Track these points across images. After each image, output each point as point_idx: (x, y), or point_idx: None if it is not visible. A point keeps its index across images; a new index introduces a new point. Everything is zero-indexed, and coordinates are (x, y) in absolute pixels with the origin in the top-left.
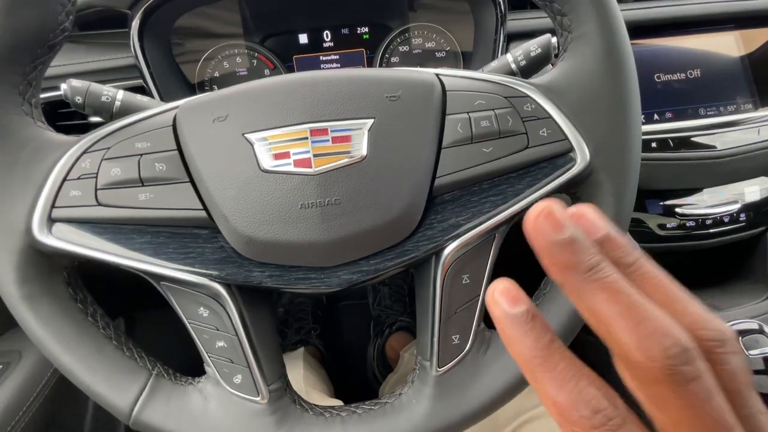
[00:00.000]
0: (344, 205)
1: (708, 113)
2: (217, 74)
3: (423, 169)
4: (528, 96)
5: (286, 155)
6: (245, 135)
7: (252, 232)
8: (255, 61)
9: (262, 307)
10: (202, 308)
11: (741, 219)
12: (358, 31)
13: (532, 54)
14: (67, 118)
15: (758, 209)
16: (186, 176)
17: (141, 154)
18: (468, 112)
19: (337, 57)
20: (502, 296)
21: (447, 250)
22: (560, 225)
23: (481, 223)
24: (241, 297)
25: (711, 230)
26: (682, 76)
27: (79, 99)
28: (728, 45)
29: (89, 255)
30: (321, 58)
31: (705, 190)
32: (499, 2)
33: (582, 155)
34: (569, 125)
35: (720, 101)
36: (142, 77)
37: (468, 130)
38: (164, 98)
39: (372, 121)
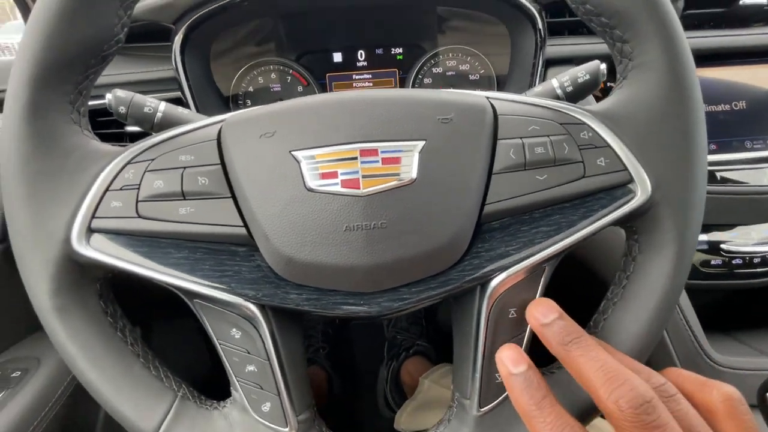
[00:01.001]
0: (390, 229)
1: (755, 146)
2: (251, 89)
3: (472, 195)
4: (584, 123)
5: (333, 175)
6: (292, 152)
7: (293, 252)
8: (289, 77)
9: (294, 331)
10: (234, 329)
11: None
12: (392, 52)
13: (580, 80)
14: (105, 126)
15: None
16: (228, 191)
17: (184, 167)
18: (521, 138)
19: (370, 76)
20: (508, 359)
21: (494, 282)
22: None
23: (531, 255)
24: (275, 320)
25: (758, 269)
26: (727, 107)
27: (122, 109)
28: None
29: (125, 268)
30: (354, 76)
31: (752, 227)
32: (539, 27)
33: (643, 187)
34: (629, 155)
35: (767, 134)
36: (181, 90)
37: (521, 156)
38: (200, 111)
39: (423, 143)
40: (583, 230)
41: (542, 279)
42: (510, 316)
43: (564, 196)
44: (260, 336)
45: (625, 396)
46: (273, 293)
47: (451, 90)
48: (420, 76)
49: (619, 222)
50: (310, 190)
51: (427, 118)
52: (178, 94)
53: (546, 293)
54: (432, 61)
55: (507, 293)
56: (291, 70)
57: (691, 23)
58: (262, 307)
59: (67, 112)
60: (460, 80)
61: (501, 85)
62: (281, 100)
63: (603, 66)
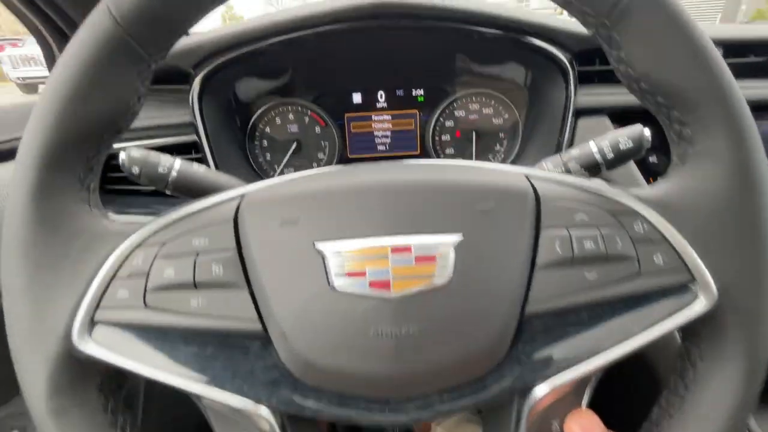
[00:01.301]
0: (422, 336)
1: None
2: (268, 129)
3: (513, 294)
4: (639, 214)
5: (361, 273)
6: (316, 244)
7: (313, 356)
8: (307, 118)
9: None
10: None
11: None
12: (413, 93)
13: (622, 147)
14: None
15: None
16: (243, 281)
17: (197, 253)
18: (568, 227)
19: (390, 117)
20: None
21: (536, 392)
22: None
23: (578, 365)
24: (290, 426)
25: None
26: None
27: (135, 169)
28: None
29: (128, 368)
30: (373, 117)
31: None
32: (570, 77)
33: (706, 290)
34: (690, 252)
35: None
36: (197, 135)
37: (568, 250)
38: (216, 154)
39: (460, 237)
40: (638, 338)
41: (587, 389)
42: (553, 429)
43: (616, 297)
44: None
45: None
46: (289, 399)
47: (486, 165)
48: (441, 119)
49: (681, 329)
50: (335, 289)
51: (465, 208)
52: (194, 137)
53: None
54: (454, 105)
55: (550, 405)
56: (309, 111)
57: None
58: (276, 414)
59: (75, 191)
60: (483, 125)
61: (527, 130)
62: (299, 141)
63: (647, 132)
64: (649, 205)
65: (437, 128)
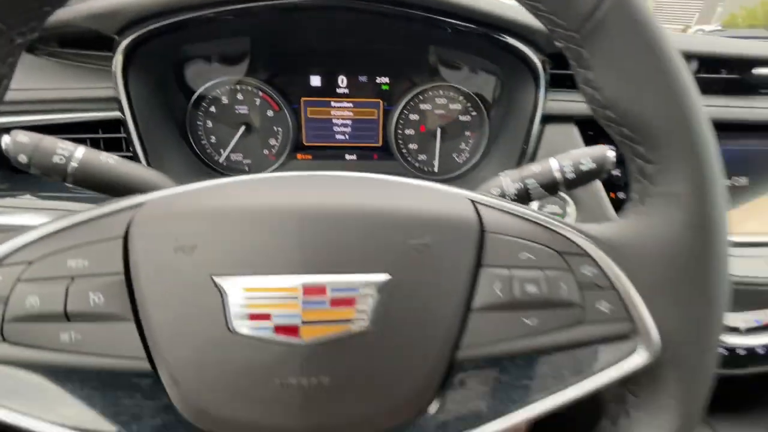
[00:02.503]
0: (335, 387)
1: (749, 227)
2: (213, 109)
3: (443, 339)
4: (588, 255)
5: (266, 317)
6: (215, 278)
7: (208, 405)
8: (258, 99)
9: None
10: None
11: None
12: (377, 81)
13: (583, 168)
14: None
15: None
16: (129, 312)
17: (72, 278)
18: (510, 268)
19: (351, 105)
20: None
21: None
22: None
23: (507, 414)
24: None
25: (743, 360)
26: (727, 183)
27: (23, 158)
28: None
29: None
30: (332, 104)
31: (738, 315)
32: (541, 81)
33: (648, 344)
34: (638, 303)
35: (764, 215)
36: (121, 111)
37: (509, 294)
38: (144, 134)
39: (386, 278)
40: (574, 389)
41: None
42: None
43: (555, 345)
44: None
45: None
46: None
47: (427, 185)
48: (406, 112)
49: (619, 381)
50: (235, 332)
51: (397, 245)
52: (119, 114)
53: None
54: (421, 97)
55: None
56: (261, 92)
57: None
58: None
59: None
60: (449, 120)
61: (493, 129)
62: (248, 124)
63: (611, 154)
64: (600, 246)
65: (401, 121)
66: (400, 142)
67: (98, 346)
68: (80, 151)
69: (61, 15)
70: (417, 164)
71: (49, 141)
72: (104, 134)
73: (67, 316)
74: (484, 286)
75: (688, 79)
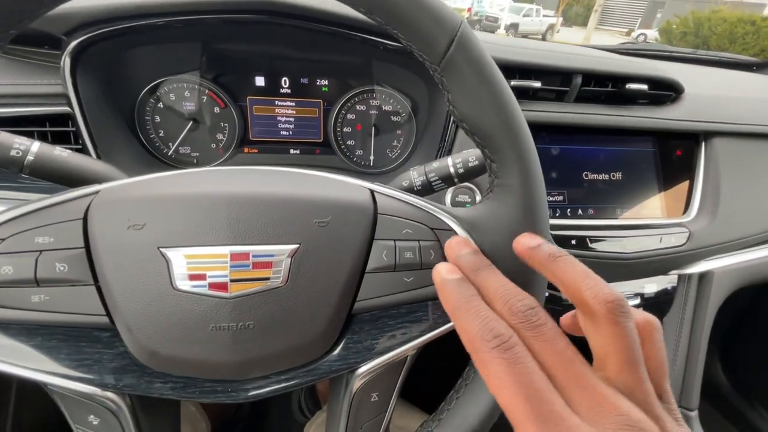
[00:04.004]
0: (257, 329)
1: (623, 214)
2: (161, 105)
3: (344, 293)
4: (452, 230)
5: (202, 277)
6: (161, 249)
7: (156, 347)
8: (205, 97)
9: (163, 418)
10: (92, 416)
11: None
12: (318, 83)
13: (470, 165)
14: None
15: (654, 302)
16: (91, 278)
17: (40, 251)
18: (395, 240)
19: (294, 104)
20: (443, 268)
21: (360, 370)
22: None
23: (394, 347)
24: (141, 408)
25: None
26: (606, 177)
27: None
28: (648, 156)
29: None
30: (276, 102)
31: (611, 284)
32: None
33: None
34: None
35: (634, 205)
36: (70, 106)
37: (392, 259)
38: (93, 128)
39: (297, 246)
40: (443, 327)
41: (404, 367)
42: (372, 399)
43: (428, 296)
44: (121, 426)
45: (479, 332)
46: (136, 383)
47: (338, 179)
48: (344, 112)
49: None
50: (177, 289)
51: (304, 222)
52: (68, 108)
53: (408, 375)
54: (357, 98)
55: (371, 380)
56: (207, 90)
57: (586, 97)
58: (123, 396)
59: None
60: (383, 119)
61: (419, 132)
62: (195, 120)
63: None
64: (461, 224)
65: (339, 119)
66: (339, 138)
67: (64, 305)
68: (36, 145)
69: None
70: (355, 159)
71: (5, 136)
72: (52, 128)
73: (37, 282)
74: (375, 253)
75: (513, 102)
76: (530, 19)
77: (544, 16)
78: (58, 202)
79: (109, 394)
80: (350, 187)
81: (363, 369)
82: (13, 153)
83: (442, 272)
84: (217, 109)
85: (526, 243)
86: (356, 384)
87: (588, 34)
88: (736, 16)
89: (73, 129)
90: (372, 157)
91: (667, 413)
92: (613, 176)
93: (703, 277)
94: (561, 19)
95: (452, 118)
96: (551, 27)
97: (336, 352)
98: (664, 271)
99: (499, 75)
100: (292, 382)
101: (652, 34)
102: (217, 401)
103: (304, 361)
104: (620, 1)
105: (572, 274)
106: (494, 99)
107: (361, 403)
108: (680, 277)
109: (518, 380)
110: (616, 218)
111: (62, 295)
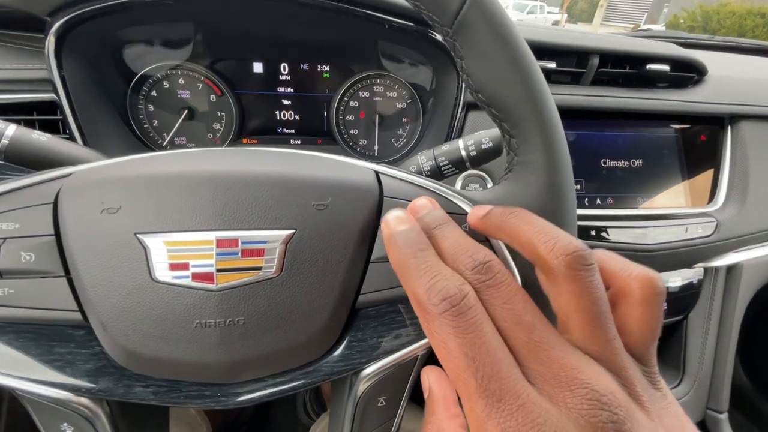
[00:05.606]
0: (248, 326)
1: (644, 203)
2: (154, 93)
3: (345, 286)
4: (466, 213)
5: (184, 266)
6: (138, 236)
7: (135, 346)
8: (200, 84)
9: (147, 428)
10: (65, 424)
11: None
12: (319, 69)
13: (484, 146)
14: None
15: (679, 297)
16: (61, 269)
17: (3, 239)
18: None
19: (293, 91)
20: (392, 218)
21: (365, 371)
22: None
23: (403, 346)
24: (121, 415)
25: None
26: (626, 164)
27: None
28: (671, 142)
29: None
30: (276, 89)
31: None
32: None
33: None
34: (505, 252)
35: (656, 193)
36: (56, 93)
37: None
38: (82, 117)
39: (292, 232)
40: None
41: (414, 368)
42: (379, 404)
43: None
44: None
45: (425, 293)
46: (114, 387)
47: (339, 159)
48: (346, 99)
49: None
50: (157, 281)
51: (300, 205)
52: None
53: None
54: (359, 84)
55: (377, 383)
56: (203, 77)
57: (602, 80)
58: (101, 402)
59: None
60: (386, 107)
61: (426, 118)
62: (191, 109)
63: None
64: None
65: (341, 107)
66: (342, 127)
67: (31, 300)
68: (11, 129)
69: None
70: (358, 148)
71: None
72: (39, 116)
73: None
74: (380, 241)
75: (535, 66)
76: (534, 16)
77: (548, 12)
78: (26, 185)
79: (84, 400)
80: (353, 168)
81: (368, 370)
82: None
83: (390, 223)
84: (213, 98)
85: (475, 214)
86: (361, 387)
87: (593, 30)
88: (745, 9)
89: (60, 117)
90: (376, 147)
91: (643, 376)
92: (633, 163)
93: (731, 270)
94: (566, 15)
95: (461, 101)
96: (556, 24)
97: (338, 351)
98: (689, 264)
99: (519, 36)
100: (288, 386)
101: (659, 29)
102: (206, 407)
103: (302, 362)
104: None
105: (526, 230)
106: (514, 63)
107: (367, 409)
108: (706, 270)
109: (466, 352)
110: (637, 208)
111: (29, 287)
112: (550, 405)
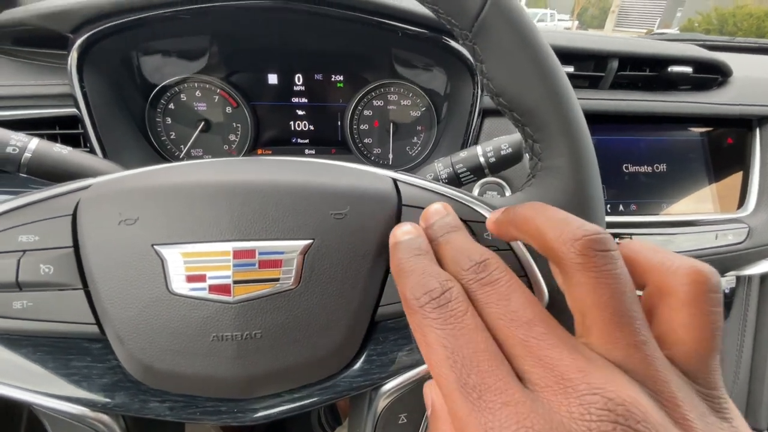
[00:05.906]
0: (265, 339)
1: (669, 209)
2: (172, 106)
3: (365, 297)
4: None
5: (201, 278)
6: (155, 247)
7: (151, 360)
8: (216, 97)
9: None
10: None
11: None
12: (333, 79)
13: (503, 153)
14: None
15: None
16: (79, 282)
17: (23, 251)
18: None
19: (307, 102)
20: (398, 230)
21: (385, 387)
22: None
23: (424, 363)
24: (136, 429)
25: None
26: (649, 169)
27: None
28: (695, 145)
29: None
30: (290, 100)
31: None
32: (477, 79)
33: (540, 296)
34: (530, 262)
35: (681, 199)
36: (77, 108)
37: None
38: (102, 131)
39: (310, 242)
40: None
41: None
42: (400, 422)
43: None
44: None
45: (410, 290)
46: (130, 402)
47: (356, 167)
48: (360, 108)
49: None
50: (174, 293)
51: (318, 214)
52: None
53: None
54: (374, 93)
55: (398, 399)
56: (219, 90)
57: (622, 83)
58: (118, 418)
59: None
60: (400, 115)
61: (441, 125)
62: (207, 121)
63: None
64: None
65: (355, 116)
66: (356, 136)
67: (49, 312)
68: (34, 143)
69: (15, 14)
70: (373, 158)
71: (2, 132)
72: (61, 130)
73: (18, 286)
74: None
75: (559, 68)
76: (545, 24)
77: (558, 20)
78: (45, 197)
79: (101, 416)
80: (370, 176)
81: (389, 386)
82: (9, 150)
83: (396, 233)
84: (229, 109)
85: (491, 217)
86: (381, 403)
87: None
88: (763, 11)
89: (82, 131)
90: (391, 156)
91: (700, 399)
92: (656, 168)
93: (765, 278)
94: (576, 22)
95: (476, 108)
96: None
97: (357, 365)
98: (721, 273)
99: (541, 37)
100: (307, 401)
101: (674, 33)
102: (222, 423)
103: (320, 377)
104: (638, 0)
105: (535, 218)
106: (537, 64)
107: (387, 426)
108: (739, 279)
109: (445, 344)
110: (662, 214)
111: (47, 300)
112: (546, 410)
